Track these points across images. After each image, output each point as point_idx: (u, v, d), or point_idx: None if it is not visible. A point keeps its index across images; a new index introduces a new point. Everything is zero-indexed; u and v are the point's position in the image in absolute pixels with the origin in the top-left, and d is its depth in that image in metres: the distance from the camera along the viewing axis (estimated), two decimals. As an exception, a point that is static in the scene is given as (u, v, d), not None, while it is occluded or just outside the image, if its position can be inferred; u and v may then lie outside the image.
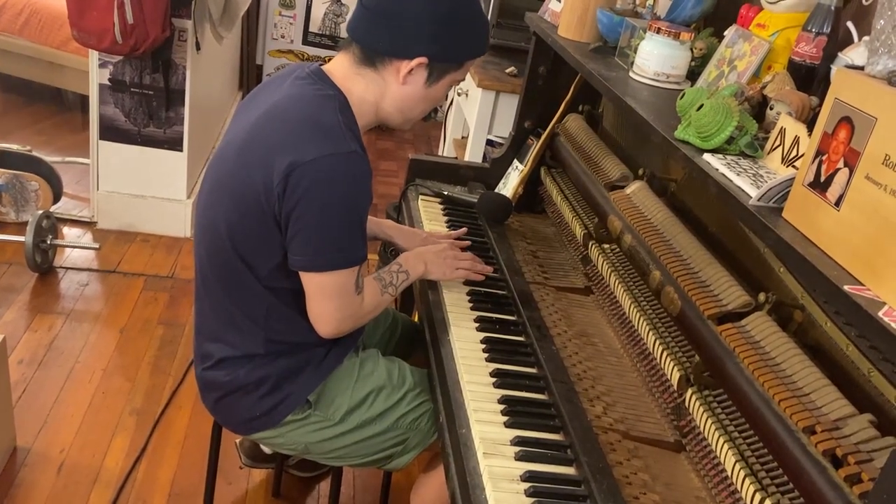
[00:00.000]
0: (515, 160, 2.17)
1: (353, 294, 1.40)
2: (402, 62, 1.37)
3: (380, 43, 1.37)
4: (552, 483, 1.18)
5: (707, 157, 1.21)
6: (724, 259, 1.35)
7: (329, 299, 1.38)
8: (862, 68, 1.00)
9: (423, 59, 1.36)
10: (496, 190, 2.18)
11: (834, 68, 1.24)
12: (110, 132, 3.12)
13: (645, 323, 1.41)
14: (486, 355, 1.47)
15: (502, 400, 1.35)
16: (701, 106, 1.22)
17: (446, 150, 3.54)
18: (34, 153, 3.20)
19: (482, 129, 2.89)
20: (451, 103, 3.45)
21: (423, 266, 1.62)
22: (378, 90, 1.41)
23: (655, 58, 1.54)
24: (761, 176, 1.15)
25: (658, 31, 1.52)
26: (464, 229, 1.87)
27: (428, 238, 1.77)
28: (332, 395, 1.50)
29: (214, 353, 1.49)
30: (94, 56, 2.99)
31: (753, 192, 1.08)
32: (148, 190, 3.23)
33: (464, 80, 1.50)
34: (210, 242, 1.44)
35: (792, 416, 1.01)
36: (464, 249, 1.76)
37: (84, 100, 3.67)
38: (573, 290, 1.72)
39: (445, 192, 2.10)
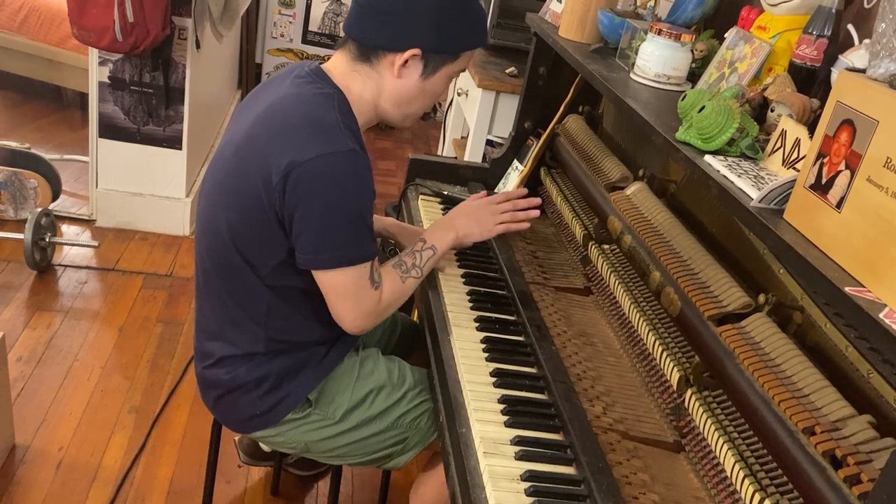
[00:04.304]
0: (515, 160, 2.17)
1: (368, 290, 1.39)
2: (396, 55, 1.37)
3: (372, 37, 1.37)
4: (552, 482, 1.19)
5: (708, 158, 1.21)
6: (723, 260, 1.35)
7: (344, 297, 1.38)
8: (862, 71, 1.01)
9: (415, 51, 1.36)
10: (496, 190, 2.18)
11: (834, 71, 1.24)
12: (109, 130, 3.12)
13: (645, 323, 1.41)
14: (486, 355, 1.47)
15: (502, 399, 1.35)
16: (702, 108, 1.22)
17: (446, 150, 3.54)
18: (33, 150, 3.20)
19: (482, 129, 2.90)
20: (451, 103, 3.45)
21: (454, 233, 1.54)
22: (375, 86, 1.41)
23: (656, 59, 1.54)
24: (762, 178, 1.15)
25: (659, 32, 1.52)
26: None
27: None
28: (332, 394, 1.50)
29: (215, 351, 1.49)
30: (93, 54, 2.99)
31: (754, 194, 1.09)
32: (147, 188, 3.22)
33: (463, 71, 1.49)
34: (211, 241, 1.44)
35: (791, 417, 1.02)
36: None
37: (83, 97, 3.67)
38: (573, 291, 1.73)
39: (445, 192, 2.10)
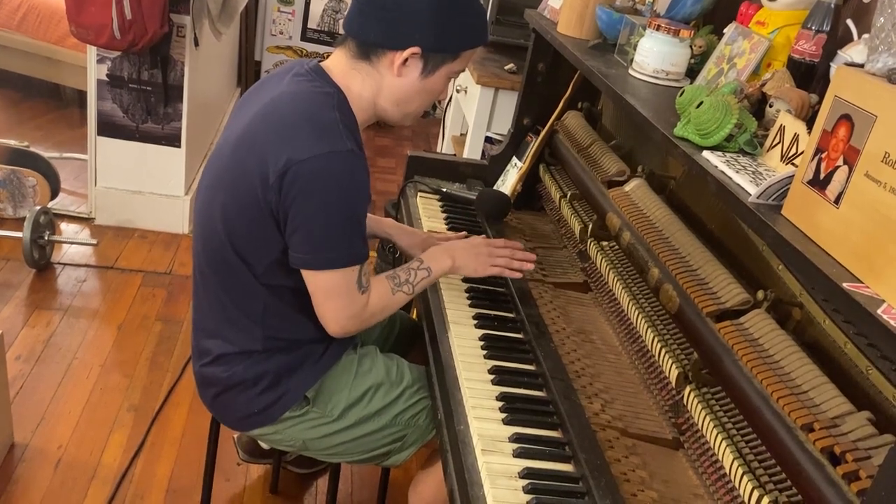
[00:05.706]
0: (514, 157, 2.17)
1: (355, 293, 1.39)
2: (396, 53, 1.36)
3: (372, 35, 1.37)
4: (550, 480, 1.18)
5: (706, 154, 1.21)
6: (722, 257, 1.35)
7: (330, 298, 1.38)
8: (861, 66, 1.00)
9: (415, 49, 1.35)
10: (495, 187, 2.18)
11: (833, 66, 1.24)
12: (108, 128, 3.11)
13: (643, 320, 1.41)
14: (484, 352, 1.47)
15: (501, 397, 1.35)
16: (700, 103, 1.22)
17: (445, 147, 3.54)
18: (32, 149, 3.19)
19: (481, 126, 2.89)
20: (450, 100, 3.44)
21: (451, 261, 1.55)
22: (374, 84, 1.41)
23: (655, 55, 1.54)
24: (760, 173, 1.15)
25: (657, 28, 1.52)
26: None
27: (428, 238, 1.75)
28: (331, 392, 1.50)
29: (212, 349, 1.49)
30: (92, 52, 2.98)
31: (753, 190, 1.08)
32: (146, 186, 3.22)
33: (463, 70, 1.48)
34: (207, 239, 1.44)
35: (790, 414, 1.02)
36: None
37: (82, 95, 3.66)
38: (572, 288, 1.72)
39: (444, 189, 2.09)
